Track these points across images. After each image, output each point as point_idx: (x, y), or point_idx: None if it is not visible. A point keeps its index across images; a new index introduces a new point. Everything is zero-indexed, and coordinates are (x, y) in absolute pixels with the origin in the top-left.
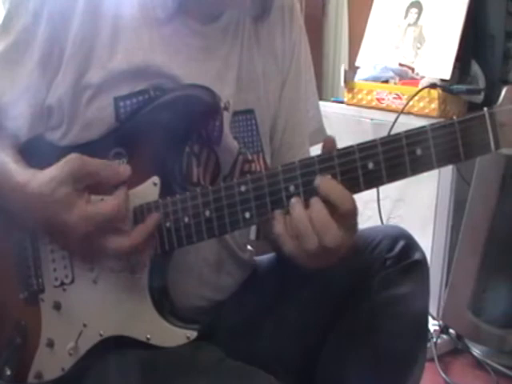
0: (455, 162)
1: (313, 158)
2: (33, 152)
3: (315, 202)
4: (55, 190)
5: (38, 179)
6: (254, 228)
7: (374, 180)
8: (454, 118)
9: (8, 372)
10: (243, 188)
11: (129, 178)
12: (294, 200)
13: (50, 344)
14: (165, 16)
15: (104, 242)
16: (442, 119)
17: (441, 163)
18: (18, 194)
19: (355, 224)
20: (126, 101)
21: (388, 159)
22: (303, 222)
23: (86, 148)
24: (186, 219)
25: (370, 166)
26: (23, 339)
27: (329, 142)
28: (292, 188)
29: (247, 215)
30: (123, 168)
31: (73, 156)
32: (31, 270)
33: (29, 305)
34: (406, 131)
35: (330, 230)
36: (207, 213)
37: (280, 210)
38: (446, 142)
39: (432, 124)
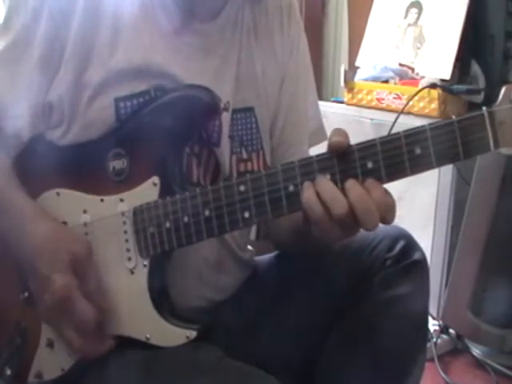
0: (455, 161)
1: (312, 157)
2: (33, 151)
3: (350, 184)
4: (59, 249)
5: (47, 225)
6: (253, 228)
7: (373, 179)
8: (453, 117)
9: (8, 372)
10: (242, 188)
11: (129, 178)
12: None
13: (50, 344)
14: (164, 15)
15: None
16: (441, 119)
17: (440, 162)
18: (18, 221)
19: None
20: (126, 102)
21: (387, 158)
22: (333, 188)
23: (86, 148)
24: (186, 219)
25: (369, 165)
26: (23, 339)
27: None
28: (291, 187)
29: (246, 215)
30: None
31: (84, 240)
32: (29, 278)
33: (28, 305)
34: (405, 131)
35: (364, 202)
36: (207, 212)
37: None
38: (445, 141)
39: (431, 123)
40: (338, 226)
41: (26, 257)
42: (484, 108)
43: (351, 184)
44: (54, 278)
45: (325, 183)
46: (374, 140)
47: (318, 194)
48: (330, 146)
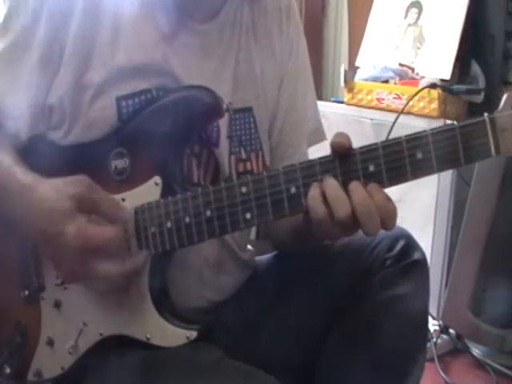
0: (456, 167)
1: (314, 160)
2: (35, 151)
3: (354, 186)
4: (60, 200)
5: (45, 186)
6: (253, 228)
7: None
8: (455, 122)
9: (8, 370)
10: (244, 189)
11: (131, 178)
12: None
13: (50, 343)
14: (163, 15)
15: (95, 264)
16: (441, 119)
17: (441, 167)
18: (22, 195)
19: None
20: (128, 100)
21: (389, 162)
22: (338, 189)
23: (88, 147)
24: (187, 219)
25: (371, 168)
26: (23, 338)
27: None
28: (293, 189)
29: (248, 216)
30: (123, 205)
31: (81, 178)
32: (32, 269)
33: (29, 303)
34: (407, 135)
35: (366, 206)
36: (208, 213)
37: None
38: (447, 146)
39: (433, 128)
40: (338, 226)
41: (36, 228)
42: (486, 114)
43: (355, 186)
44: (67, 230)
45: (332, 183)
46: (375, 144)
47: (323, 194)
48: (331, 146)
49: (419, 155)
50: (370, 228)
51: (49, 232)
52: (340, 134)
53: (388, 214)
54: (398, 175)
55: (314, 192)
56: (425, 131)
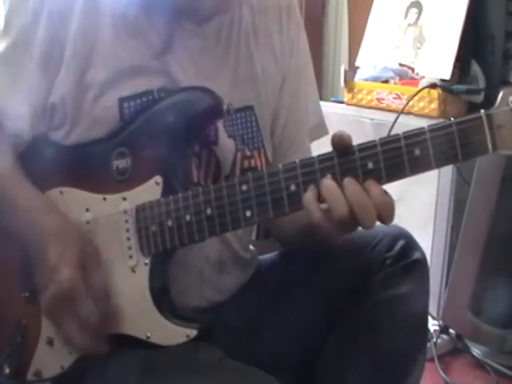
0: (453, 163)
1: (313, 157)
2: (37, 151)
3: (348, 181)
4: (67, 242)
5: (59, 219)
6: (254, 228)
7: (373, 179)
8: (452, 119)
9: (7, 370)
10: (244, 187)
11: (132, 178)
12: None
13: (50, 342)
14: (162, 15)
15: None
16: (441, 119)
17: (439, 163)
18: (31, 215)
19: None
20: (130, 102)
21: (387, 159)
22: (335, 190)
23: (90, 147)
24: (188, 217)
25: (370, 165)
26: (23, 337)
27: (338, 142)
28: (293, 187)
29: (248, 214)
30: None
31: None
32: (32, 268)
33: (29, 303)
34: (405, 132)
35: (361, 199)
36: (208, 211)
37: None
38: (444, 142)
39: (430, 125)
40: (337, 225)
41: (35, 248)
42: (482, 111)
43: (348, 181)
44: (62, 269)
45: (328, 184)
46: (374, 141)
47: (320, 195)
48: (332, 140)
49: (417, 152)
50: (367, 221)
51: (46, 258)
52: (340, 131)
53: (384, 207)
54: (397, 172)
55: (308, 195)
56: (423, 128)
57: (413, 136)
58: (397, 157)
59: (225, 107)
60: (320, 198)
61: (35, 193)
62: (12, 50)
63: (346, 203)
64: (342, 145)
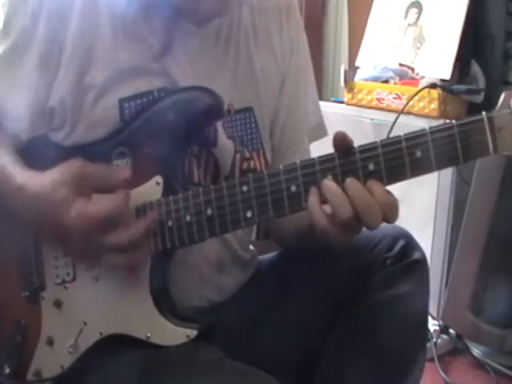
0: (454, 165)
1: (314, 158)
2: (37, 152)
3: (350, 181)
4: (55, 190)
5: (38, 181)
6: (254, 228)
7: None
8: (453, 121)
9: (7, 370)
10: (245, 188)
11: (131, 178)
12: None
13: (50, 342)
14: (161, 16)
15: (103, 238)
16: (441, 119)
17: (440, 165)
18: (18, 195)
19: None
20: (130, 102)
21: (388, 161)
22: (337, 192)
23: (90, 148)
24: (188, 217)
25: (371, 167)
26: (23, 337)
27: (340, 141)
28: (293, 188)
29: (248, 214)
30: (122, 169)
31: (72, 162)
32: (33, 268)
33: (29, 303)
34: (406, 134)
35: (365, 200)
36: (209, 211)
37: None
38: (445, 144)
39: (431, 127)
40: (341, 228)
41: (38, 223)
42: (483, 113)
43: (350, 181)
44: (67, 218)
45: (330, 187)
46: (375, 142)
47: (322, 198)
48: (334, 139)
49: (418, 154)
50: (372, 221)
51: (51, 223)
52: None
53: (388, 206)
54: (398, 173)
55: (312, 200)
56: (424, 130)
57: (414, 138)
58: (398, 158)
59: (225, 107)
60: (321, 200)
61: (32, 172)
62: (11, 51)
63: (349, 204)
64: (343, 143)
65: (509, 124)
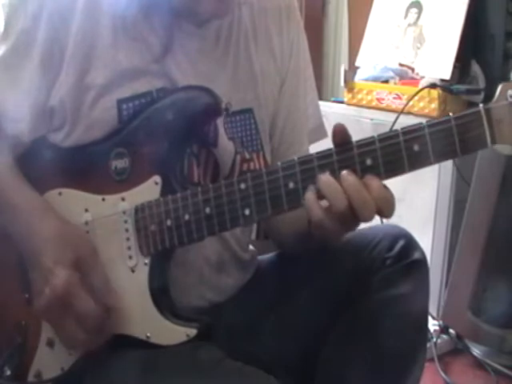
0: (452, 158)
1: (312, 154)
2: (36, 153)
3: (346, 174)
4: (65, 246)
5: (52, 220)
6: (254, 228)
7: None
8: (451, 114)
9: (8, 372)
10: (243, 185)
11: (131, 178)
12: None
13: (50, 343)
14: (160, 18)
15: (63, 315)
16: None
17: (438, 159)
18: (28, 218)
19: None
20: (128, 103)
21: (386, 155)
22: (332, 184)
23: (88, 148)
24: (187, 216)
25: (368, 162)
26: (23, 339)
27: (339, 132)
28: (291, 185)
29: (247, 212)
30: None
31: (87, 241)
32: (31, 271)
33: (29, 304)
34: (403, 128)
35: (360, 192)
36: (207, 210)
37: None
38: (443, 137)
39: (429, 120)
40: (337, 221)
41: (31, 250)
42: (481, 105)
43: (346, 174)
44: (57, 272)
45: (324, 180)
46: (372, 137)
47: (318, 192)
48: (333, 131)
49: (416, 147)
50: (366, 214)
51: (41, 262)
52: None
53: (384, 200)
54: (396, 168)
55: (309, 194)
56: (421, 123)
57: (411, 132)
58: (395, 152)
59: (223, 105)
60: (319, 195)
61: (31, 194)
62: (12, 53)
63: (345, 196)
64: (343, 133)
65: (506, 116)
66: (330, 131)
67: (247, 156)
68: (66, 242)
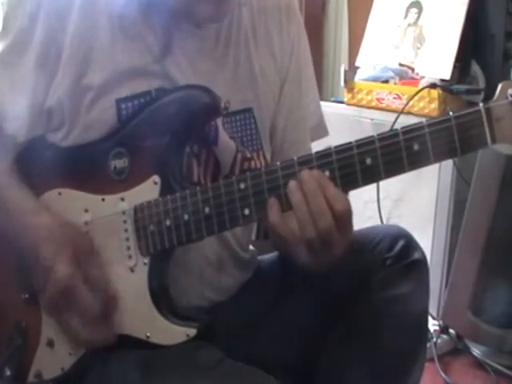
0: (452, 157)
1: (311, 154)
2: (35, 153)
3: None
4: (65, 243)
5: (49, 217)
6: (254, 228)
7: (372, 175)
8: (451, 113)
9: (8, 372)
10: (242, 185)
11: (130, 178)
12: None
13: (50, 344)
14: (160, 18)
15: (66, 308)
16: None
17: (438, 158)
18: (27, 218)
19: (350, 227)
20: (127, 103)
21: (385, 154)
22: (302, 207)
23: (87, 148)
24: (186, 216)
25: (368, 161)
26: (23, 339)
27: None
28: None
29: (246, 212)
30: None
31: (87, 238)
32: (32, 270)
33: (29, 305)
34: (403, 127)
35: (324, 216)
36: (207, 209)
37: (276, 200)
38: (443, 136)
39: (429, 119)
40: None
41: (30, 249)
42: (481, 104)
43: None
44: (58, 268)
45: (306, 174)
46: (372, 136)
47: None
48: None
49: (416, 146)
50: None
51: (41, 259)
52: None
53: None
54: (395, 167)
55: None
56: (421, 122)
57: (411, 131)
58: (395, 152)
59: (222, 105)
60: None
61: (27, 195)
62: (10, 52)
63: (311, 220)
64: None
65: (507, 114)
66: (330, 131)
67: (248, 155)
68: (62, 237)
